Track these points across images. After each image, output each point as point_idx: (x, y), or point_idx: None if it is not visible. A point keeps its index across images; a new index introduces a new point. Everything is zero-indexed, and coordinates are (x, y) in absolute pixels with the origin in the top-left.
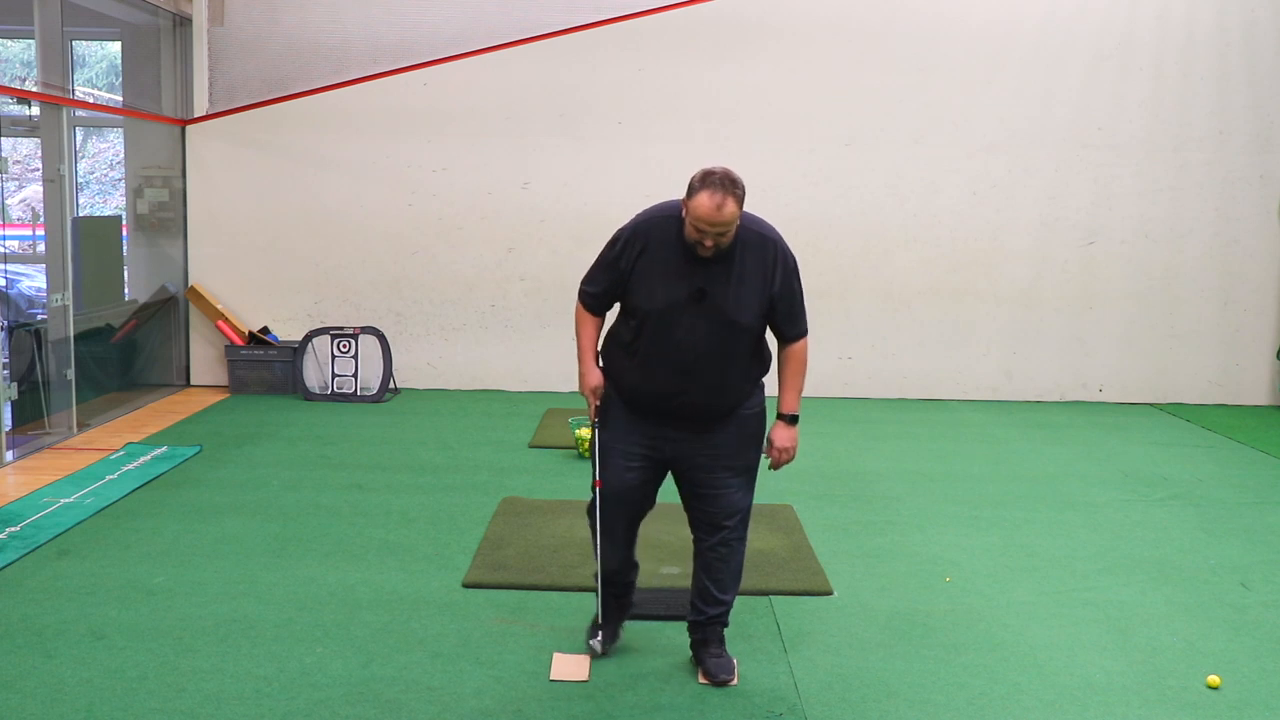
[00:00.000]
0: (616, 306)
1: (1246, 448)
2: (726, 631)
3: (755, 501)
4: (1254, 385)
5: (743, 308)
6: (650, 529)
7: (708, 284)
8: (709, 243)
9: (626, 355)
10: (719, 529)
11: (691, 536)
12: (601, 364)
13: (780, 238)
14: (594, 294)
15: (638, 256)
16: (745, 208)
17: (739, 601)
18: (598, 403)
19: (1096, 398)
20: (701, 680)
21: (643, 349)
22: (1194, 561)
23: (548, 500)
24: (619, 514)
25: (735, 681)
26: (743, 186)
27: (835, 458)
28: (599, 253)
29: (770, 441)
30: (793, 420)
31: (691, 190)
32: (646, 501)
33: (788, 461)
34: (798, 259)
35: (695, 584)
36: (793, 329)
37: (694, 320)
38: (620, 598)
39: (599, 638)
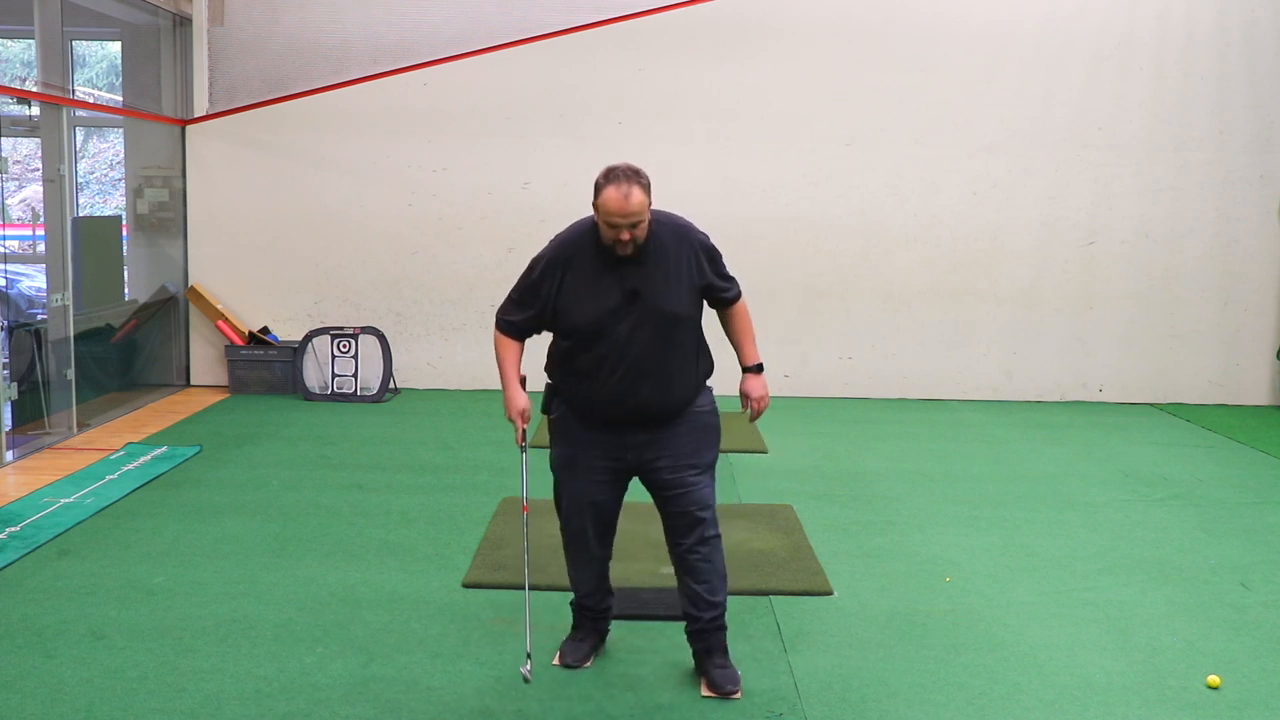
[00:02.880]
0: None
1: (1246, 448)
2: (727, 632)
3: (755, 502)
4: (1254, 385)
5: (676, 299)
6: (650, 529)
7: (638, 284)
8: (625, 235)
9: (573, 373)
10: (694, 525)
11: (667, 546)
12: (550, 383)
13: (693, 226)
14: (515, 323)
15: (561, 280)
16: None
17: (739, 601)
18: (524, 426)
19: (1096, 398)
20: (706, 692)
21: (590, 362)
22: (1194, 561)
23: (548, 500)
24: (589, 529)
25: (740, 694)
26: (646, 176)
27: (835, 458)
28: (517, 280)
29: (745, 394)
30: (759, 369)
31: (597, 189)
32: (615, 516)
33: (764, 409)
34: (796, 257)
35: (684, 591)
36: (728, 296)
37: (632, 323)
38: (596, 621)
39: (564, 653)
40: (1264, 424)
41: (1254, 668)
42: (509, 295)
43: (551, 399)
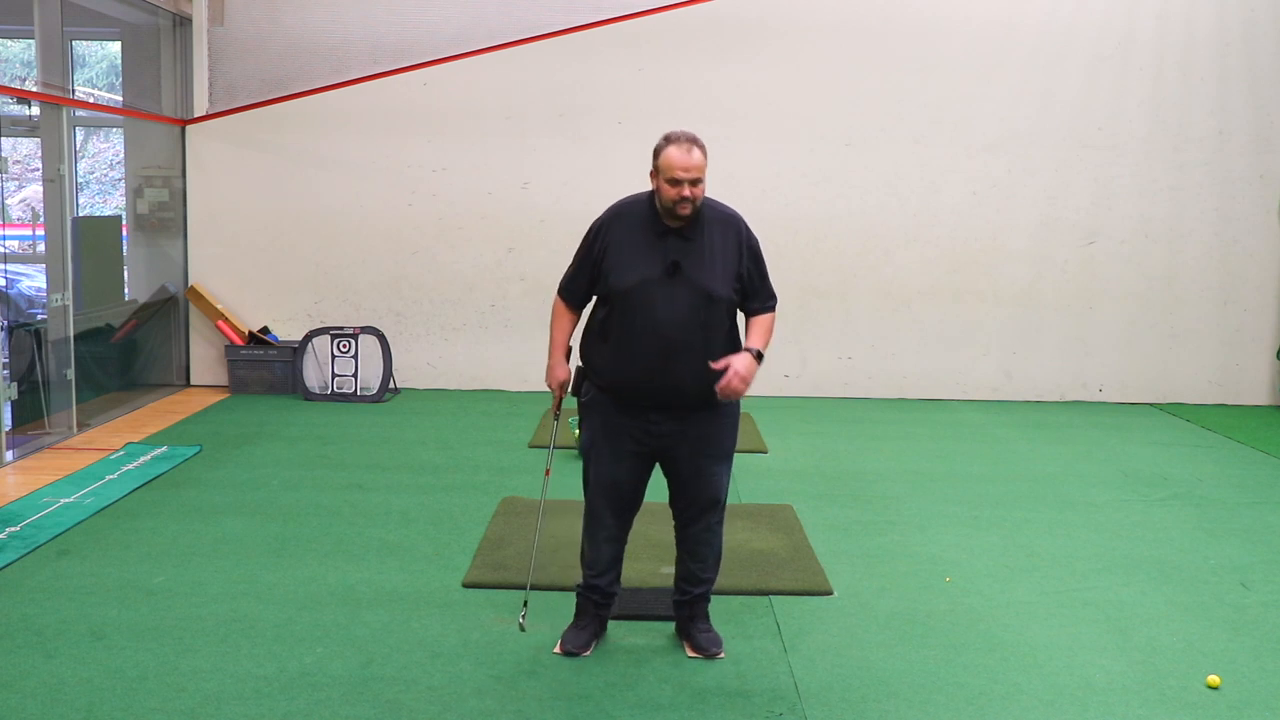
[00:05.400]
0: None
1: (1246, 448)
2: (725, 630)
3: (755, 502)
4: (1254, 385)
5: (716, 279)
6: (650, 529)
7: (680, 258)
8: (686, 192)
9: (607, 342)
10: (704, 514)
11: (674, 524)
12: (582, 363)
13: (743, 218)
14: (569, 287)
15: (609, 241)
16: (715, 196)
17: (739, 601)
18: (562, 395)
19: (1096, 398)
20: (691, 654)
21: (623, 331)
22: (1194, 561)
23: (548, 500)
24: (608, 509)
25: (723, 655)
26: (703, 144)
27: (835, 458)
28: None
29: (728, 363)
30: (758, 356)
31: (658, 152)
32: (636, 497)
33: (735, 390)
34: (796, 257)
35: (680, 569)
36: (762, 303)
37: (671, 294)
38: (600, 608)
39: (571, 639)
40: (1264, 424)
41: (1254, 668)
42: (571, 262)
43: (582, 382)
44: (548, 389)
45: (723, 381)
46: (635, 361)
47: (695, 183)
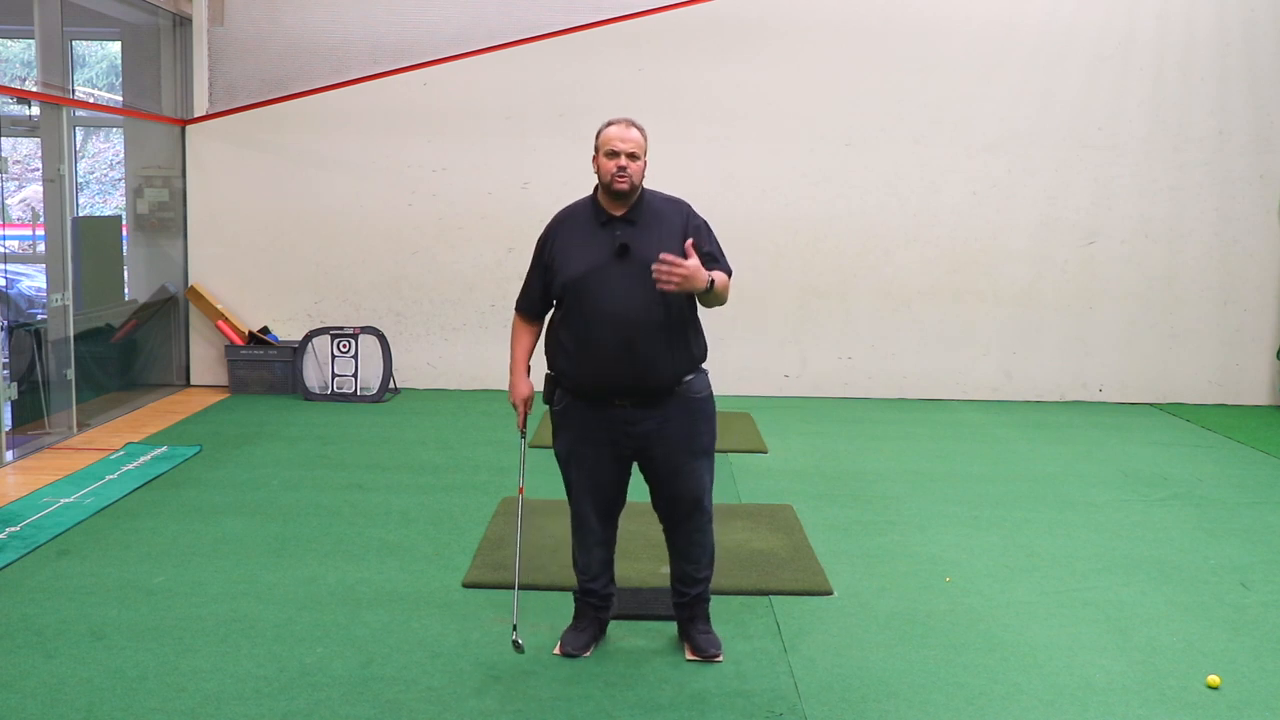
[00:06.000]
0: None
1: (1246, 448)
2: (725, 630)
3: (755, 502)
4: (1254, 385)
5: (664, 253)
6: (648, 529)
7: (629, 240)
8: (623, 162)
9: (568, 341)
10: (690, 514)
11: (662, 527)
12: (550, 369)
13: (690, 205)
14: (527, 297)
15: (558, 243)
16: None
17: (739, 601)
18: (527, 411)
19: (1096, 398)
20: (690, 656)
21: (582, 324)
22: (1194, 561)
23: (548, 500)
24: (593, 514)
25: (722, 658)
26: (643, 128)
27: (835, 458)
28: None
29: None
30: (710, 282)
31: (599, 134)
32: (619, 499)
33: (674, 267)
34: (796, 257)
35: (674, 570)
36: (715, 266)
37: (623, 277)
38: (598, 610)
39: (566, 641)
40: (1264, 424)
41: (1254, 668)
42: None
43: (554, 390)
44: (511, 405)
45: (667, 258)
46: (598, 352)
47: (633, 157)
